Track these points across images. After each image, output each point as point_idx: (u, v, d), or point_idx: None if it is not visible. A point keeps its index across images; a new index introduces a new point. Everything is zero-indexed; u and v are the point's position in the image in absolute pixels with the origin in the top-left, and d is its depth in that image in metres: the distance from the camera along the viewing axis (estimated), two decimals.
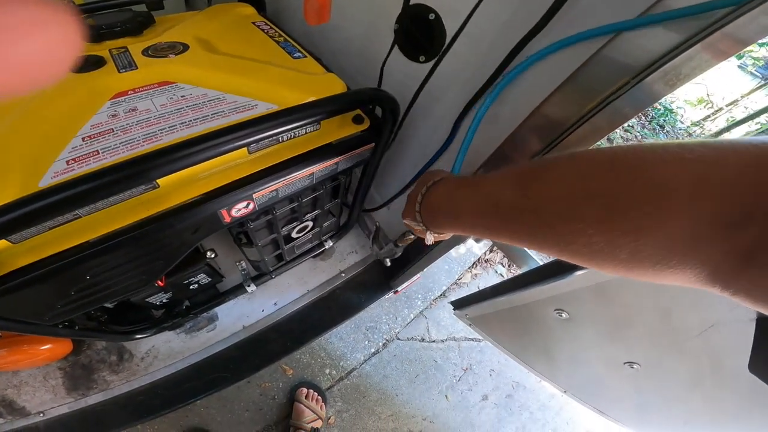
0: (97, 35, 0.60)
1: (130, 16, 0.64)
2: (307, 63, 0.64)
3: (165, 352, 0.91)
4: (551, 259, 0.64)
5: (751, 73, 5.47)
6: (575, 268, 0.55)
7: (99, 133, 0.48)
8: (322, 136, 0.59)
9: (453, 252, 0.78)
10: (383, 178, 0.99)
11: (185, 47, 0.61)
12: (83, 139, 0.47)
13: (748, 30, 0.32)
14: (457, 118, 0.64)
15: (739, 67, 5.64)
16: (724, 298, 0.24)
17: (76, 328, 0.65)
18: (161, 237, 0.49)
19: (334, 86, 0.59)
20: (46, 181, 0.43)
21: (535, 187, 0.32)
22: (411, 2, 0.63)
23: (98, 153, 0.46)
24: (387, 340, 1.62)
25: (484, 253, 2.04)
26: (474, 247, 1.90)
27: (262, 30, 0.72)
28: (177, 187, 0.49)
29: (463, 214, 0.41)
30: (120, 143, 0.47)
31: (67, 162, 0.44)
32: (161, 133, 0.49)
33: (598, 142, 0.45)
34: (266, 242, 0.79)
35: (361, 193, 0.80)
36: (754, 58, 4.92)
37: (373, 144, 0.63)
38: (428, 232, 0.50)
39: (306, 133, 0.57)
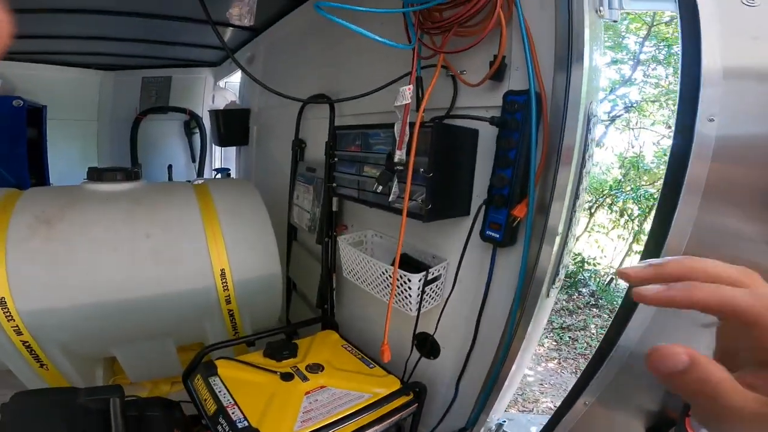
0: (280, 357, 1.26)
1: (293, 348, 1.32)
2: (377, 370, 1.31)
3: None
4: None
5: None
6: None
7: (308, 409, 1.07)
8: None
9: None
10: None
11: (322, 367, 1.27)
12: (303, 412, 1.06)
13: None
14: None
15: None
16: None
17: None
18: None
19: (395, 383, 1.24)
20: (298, 426, 0.99)
21: None
22: (417, 331, 1.38)
23: (311, 418, 1.04)
24: None
25: None
26: None
27: (348, 351, 1.41)
28: None
29: None
30: (320, 413, 1.06)
31: (302, 422, 1.02)
32: (333, 410, 1.09)
33: None
34: None
35: None
36: None
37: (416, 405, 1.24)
38: None
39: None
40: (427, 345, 1.29)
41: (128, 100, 3.63)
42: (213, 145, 3.73)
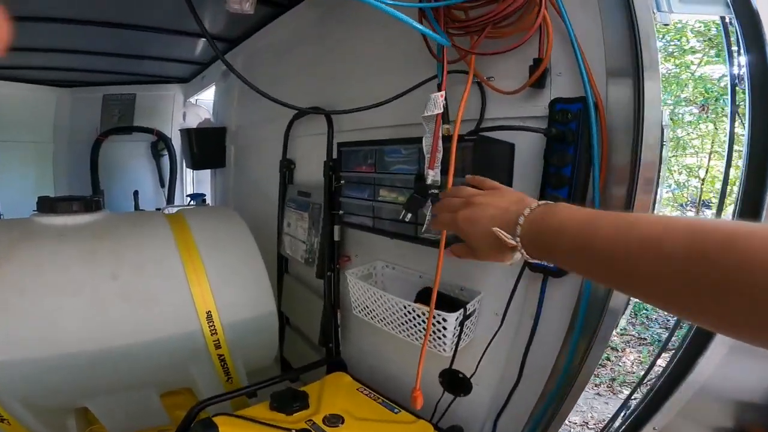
0: (290, 410, 1.04)
1: (302, 397, 1.09)
2: (403, 415, 1.11)
3: None
4: None
5: None
6: None
7: None
8: None
9: None
10: None
11: (342, 419, 1.06)
12: None
13: None
14: None
15: None
16: None
17: None
18: None
19: (428, 428, 1.04)
20: None
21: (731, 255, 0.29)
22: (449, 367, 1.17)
23: None
24: None
25: None
26: None
27: (365, 395, 1.19)
28: None
29: (603, 248, 0.40)
30: None
31: None
32: None
33: None
34: None
35: None
36: None
37: None
38: (519, 251, 0.50)
39: None
40: (456, 382, 1.11)
41: (88, 120, 3.30)
42: (184, 168, 3.45)
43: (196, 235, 1.41)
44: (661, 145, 0.76)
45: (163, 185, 3.52)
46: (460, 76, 1.03)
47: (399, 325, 1.04)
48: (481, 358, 1.02)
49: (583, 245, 0.42)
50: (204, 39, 2.35)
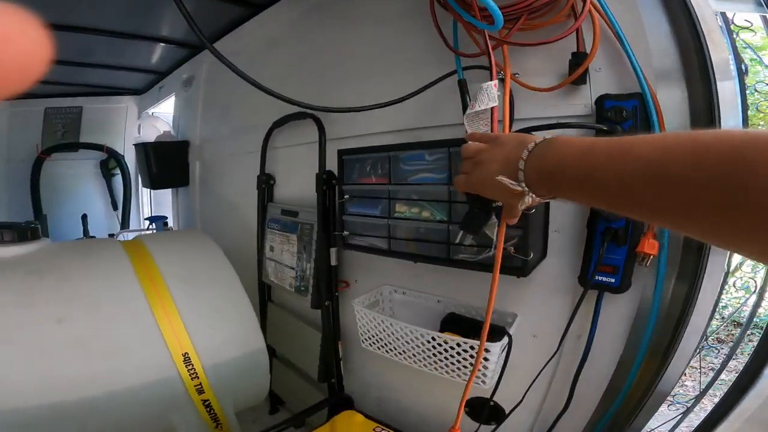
0: None
1: None
2: None
3: None
4: None
5: None
6: None
7: None
8: None
9: None
10: None
11: None
12: None
13: None
14: None
15: None
16: None
17: None
18: None
19: None
20: None
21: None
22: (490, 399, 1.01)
23: None
24: None
25: None
26: None
27: None
28: None
29: (603, 178, 0.39)
30: None
31: None
32: None
33: None
34: None
35: None
36: None
37: None
38: (528, 195, 0.49)
39: None
40: (486, 411, 0.96)
41: (27, 137, 2.89)
42: (140, 188, 3.13)
43: (162, 265, 1.19)
44: None
45: (116, 208, 3.16)
46: (477, 73, 0.92)
47: (424, 358, 0.89)
48: (531, 385, 0.88)
49: (585, 176, 0.41)
50: (163, 44, 2.13)
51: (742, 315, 1.25)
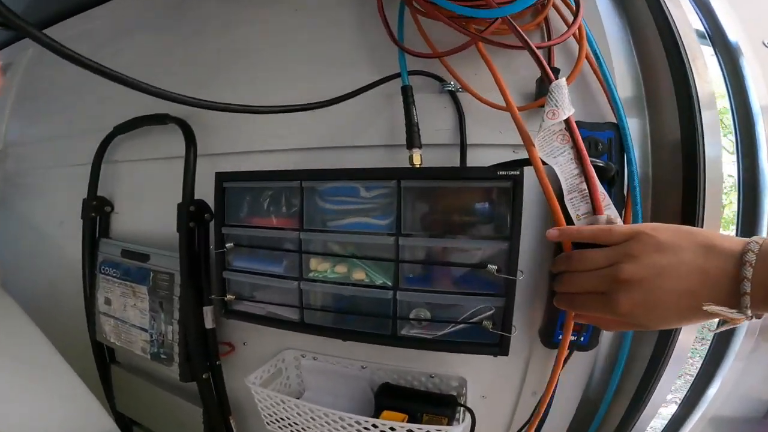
0: None
1: None
2: None
3: None
4: None
5: None
6: None
7: None
8: None
9: None
10: None
11: None
12: None
13: None
14: None
15: None
16: None
17: None
18: None
19: None
20: None
21: None
22: None
23: None
24: None
25: None
26: None
27: None
28: None
29: None
30: None
31: None
32: None
33: None
34: None
35: None
36: None
37: None
38: (747, 318, 0.35)
39: None
40: None
41: None
42: None
43: None
44: None
45: None
46: (422, 82, 0.70)
47: None
48: None
49: None
50: None
51: None
